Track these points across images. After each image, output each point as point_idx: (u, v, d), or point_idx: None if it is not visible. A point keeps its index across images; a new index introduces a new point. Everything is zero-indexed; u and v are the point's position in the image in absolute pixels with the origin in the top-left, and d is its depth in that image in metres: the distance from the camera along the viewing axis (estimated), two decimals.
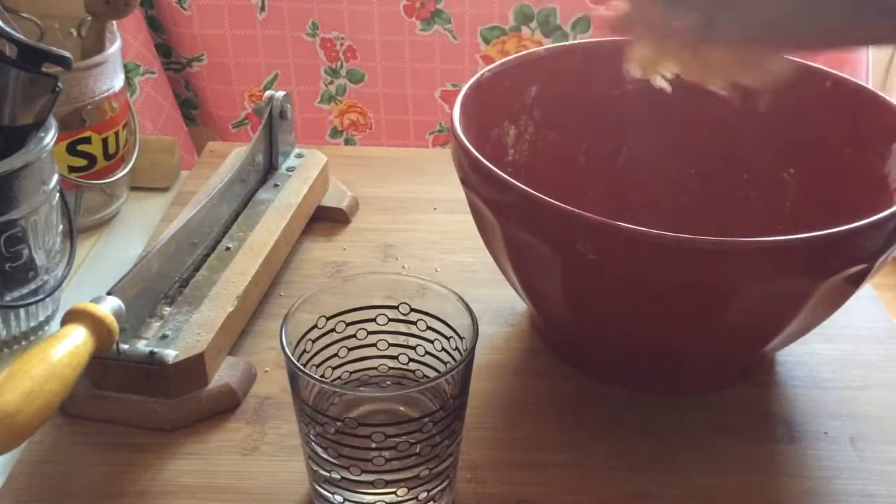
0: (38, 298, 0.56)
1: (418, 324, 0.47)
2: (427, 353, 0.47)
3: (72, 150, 0.67)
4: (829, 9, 0.39)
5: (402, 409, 0.45)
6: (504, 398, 0.54)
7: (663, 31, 0.42)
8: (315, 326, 0.45)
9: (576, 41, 1.01)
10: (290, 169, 0.69)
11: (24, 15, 0.70)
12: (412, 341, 0.47)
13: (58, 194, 0.57)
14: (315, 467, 0.44)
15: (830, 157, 0.58)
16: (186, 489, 0.48)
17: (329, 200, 0.71)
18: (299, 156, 0.71)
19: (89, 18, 0.69)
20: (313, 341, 0.45)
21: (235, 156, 0.69)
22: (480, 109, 0.56)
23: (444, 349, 0.46)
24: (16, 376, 0.41)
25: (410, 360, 0.48)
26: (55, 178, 0.57)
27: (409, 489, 0.43)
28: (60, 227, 0.58)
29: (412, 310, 0.46)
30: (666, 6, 0.42)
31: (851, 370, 0.57)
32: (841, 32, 0.40)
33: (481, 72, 0.58)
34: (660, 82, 0.47)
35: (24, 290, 0.56)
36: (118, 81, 0.69)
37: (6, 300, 0.55)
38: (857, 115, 0.56)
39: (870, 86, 0.58)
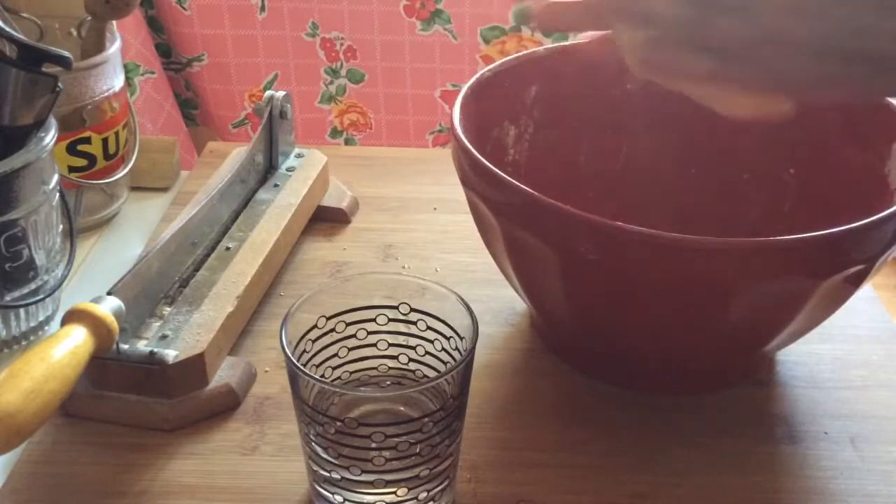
0: (38, 298, 0.56)
1: (418, 324, 0.47)
2: (427, 353, 0.47)
3: (72, 150, 0.67)
4: (848, 68, 0.38)
5: (402, 409, 0.45)
6: (504, 398, 0.54)
7: (674, 70, 0.42)
8: (315, 326, 0.45)
9: (576, 41, 1.01)
10: (290, 169, 0.69)
11: (24, 15, 0.70)
12: (412, 341, 0.47)
13: (58, 194, 0.57)
14: (315, 467, 0.44)
15: (830, 157, 0.58)
16: (186, 489, 0.48)
17: (329, 200, 0.71)
18: (299, 156, 0.71)
19: (89, 18, 0.69)
20: (313, 341, 0.45)
21: (235, 156, 0.69)
22: (480, 109, 0.56)
23: (444, 349, 0.46)
24: (16, 376, 0.41)
25: (410, 360, 0.48)
26: (55, 178, 0.57)
27: (409, 489, 0.43)
28: (60, 227, 0.58)
29: (412, 310, 0.46)
30: (682, 50, 0.41)
31: (851, 370, 0.57)
32: (862, 89, 0.40)
33: (481, 72, 0.58)
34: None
35: (24, 290, 0.56)
36: (118, 81, 0.69)
37: (6, 300, 0.55)
38: (857, 115, 0.56)
39: None
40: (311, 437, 0.42)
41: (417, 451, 0.41)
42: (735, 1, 0.39)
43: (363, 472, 0.42)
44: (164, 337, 0.52)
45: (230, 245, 0.60)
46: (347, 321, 0.46)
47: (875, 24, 0.36)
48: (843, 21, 0.37)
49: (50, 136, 0.55)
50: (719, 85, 0.41)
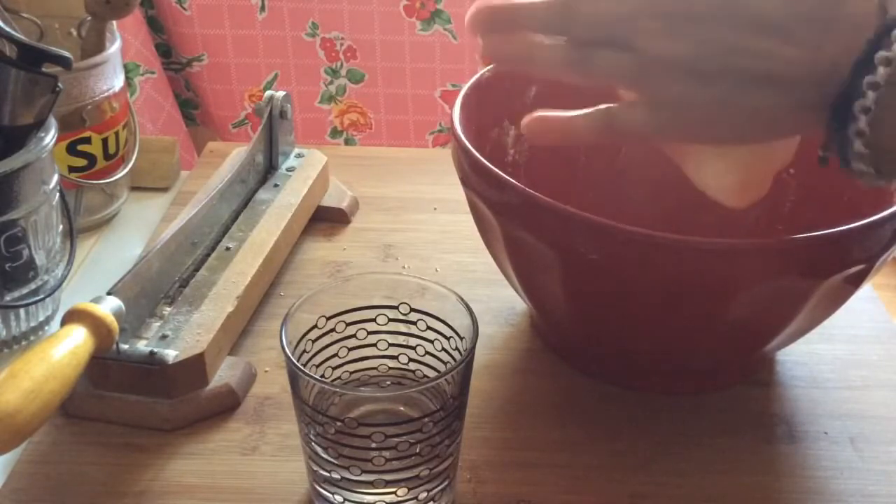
0: (38, 298, 0.56)
1: (418, 324, 0.47)
2: (427, 353, 0.47)
3: (72, 150, 0.67)
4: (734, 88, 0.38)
5: (402, 409, 0.45)
6: (504, 398, 0.54)
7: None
8: (315, 326, 0.45)
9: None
10: (290, 169, 0.69)
11: (24, 15, 0.70)
12: (412, 341, 0.47)
13: (58, 194, 0.57)
14: (315, 467, 0.44)
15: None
16: (187, 489, 0.48)
17: (329, 200, 0.71)
18: (299, 156, 0.71)
19: (89, 18, 0.69)
20: (313, 341, 0.45)
21: (235, 156, 0.69)
22: (480, 109, 0.56)
23: (444, 349, 0.46)
24: (16, 376, 0.41)
25: (410, 360, 0.48)
26: (55, 178, 0.57)
27: (409, 489, 0.43)
28: (60, 227, 0.58)
29: (412, 310, 0.46)
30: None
31: (851, 370, 0.57)
32: (773, 129, 0.40)
33: (481, 72, 0.58)
34: None
35: (24, 290, 0.56)
36: (118, 81, 0.69)
37: (6, 300, 0.55)
38: None
39: None
40: (311, 437, 0.42)
41: (417, 451, 0.41)
42: (609, 33, 0.40)
43: (363, 472, 0.42)
44: (164, 337, 0.52)
45: (230, 245, 0.60)
46: (347, 321, 0.46)
47: (751, 44, 0.37)
48: (719, 41, 0.38)
49: (50, 136, 0.55)
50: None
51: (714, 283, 0.44)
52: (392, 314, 0.47)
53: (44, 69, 0.53)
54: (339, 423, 0.41)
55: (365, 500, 0.43)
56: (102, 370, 0.50)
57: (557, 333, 0.58)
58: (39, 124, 0.54)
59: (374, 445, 0.41)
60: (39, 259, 0.56)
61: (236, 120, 1.11)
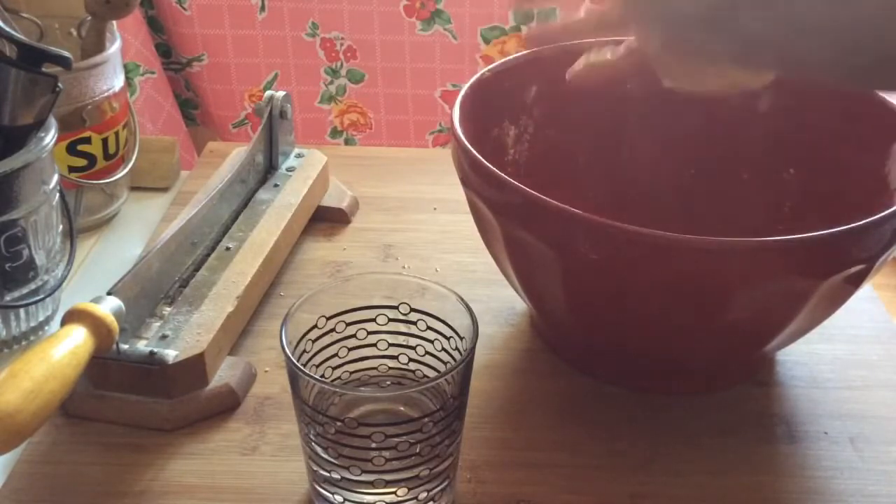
0: (38, 298, 0.56)
1: (418, 324, 0.47)
2: (427, 353, 0.47)
3: (72, 150, 0.67)
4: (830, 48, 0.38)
5: (402, 409, 0.45)
6: (504, 398, 0.54)
7: (696, 51, 0.43)
8: (315, 326, 0.45)
9: (576, 41, 1.01)
10: (290, 169, 0.69)
11: (24, 15, 0.70)
12: (412, 341, 0.47)
13: (58, 194, 0.57)
14: (315, 467, 0.44)
15: (830, 157, 0.58)
16: (187, 489, 0.48)
17: (329, 200, 0.71)
18: (299, 156, 0.71)
19: (89, 18, 0.69)
20: (313, 341, 0.45)
21: (235, 156, 0.69)
22: (480, 109, 0.56)
23: (444, 349, 0.46)
24: (16, 376, 0.41)
25: (410, 360, 0.48)
26: (55, 178, 0.57)
27: (409, 489, 0.43)
28: (60, 227, 0.58)
29: (412, 310, 0.46)
30: (705, 34, 0.42)
31: (851, 370, 0.57)
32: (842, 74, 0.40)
33: (481, 72, 0.58)
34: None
35: (24, 290, 0.56)
36: (118, 81, 0.69)
37: (6, 300, 0.55)
38: (857, 115, 0.56)
39: None
40: (311, 437, 0.42)
41: (417, 451, 0.41)
42: None
43: (363, 472, 0.42)
44: (164, 337, 0.52)
45: (230, 245, 0.60)
46: (347, 321, 0.46)
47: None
48: (871, 16, 0.36)
49: (50, 136, 0.55)
50: (739, 67, 0.42)
51: (714, 283, 0.44)
52: (392, 314, 0.47)
53: (44, 69, 0.53)
54: (339, 423, 0.41)
55: (365, 500, 0.43)
56: (102, 370, 0.50)
57: (557, 333, 0.58)
58: (39, 124, 0.54)
59: (374, 445, 0.41)
60: (39, 259, 0.56)
61: (236, 120, 1.11)
